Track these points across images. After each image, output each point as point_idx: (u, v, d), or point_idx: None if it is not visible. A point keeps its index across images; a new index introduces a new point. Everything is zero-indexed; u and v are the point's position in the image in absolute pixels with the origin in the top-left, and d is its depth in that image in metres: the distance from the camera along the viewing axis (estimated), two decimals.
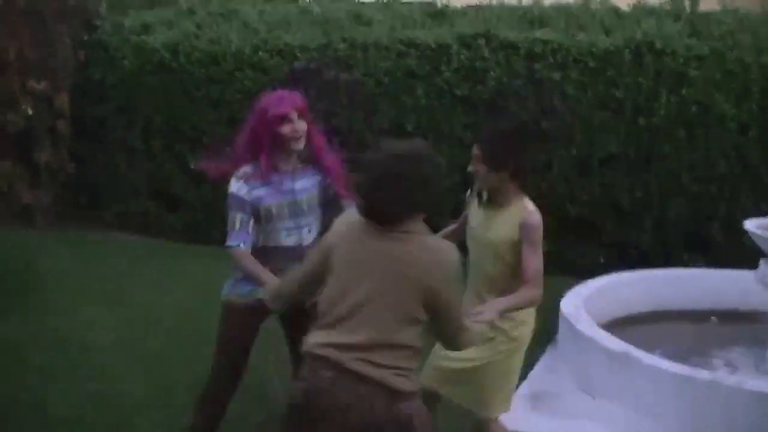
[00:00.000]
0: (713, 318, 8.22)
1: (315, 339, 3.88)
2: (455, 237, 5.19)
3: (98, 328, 8.11)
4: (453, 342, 4.06)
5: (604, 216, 10.25)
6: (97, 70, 12.39)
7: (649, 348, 6.56)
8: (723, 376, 6.30)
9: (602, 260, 10.21)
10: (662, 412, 6.09)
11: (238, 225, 4.90)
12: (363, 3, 12.32)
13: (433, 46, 10.60)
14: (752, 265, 9.22)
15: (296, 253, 4.97)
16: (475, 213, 5.09)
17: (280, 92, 5.11)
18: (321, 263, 3.98)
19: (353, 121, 10.90)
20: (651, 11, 10.76)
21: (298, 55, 11.11)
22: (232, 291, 5.18)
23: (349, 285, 3.83)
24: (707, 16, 10.54)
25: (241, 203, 4.92)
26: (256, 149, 4.97)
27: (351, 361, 3.73)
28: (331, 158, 5.21)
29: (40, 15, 11.82)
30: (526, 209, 4.90)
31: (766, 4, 10.70)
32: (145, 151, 12.04)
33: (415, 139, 4.29)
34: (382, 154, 3.88)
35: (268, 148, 4.94)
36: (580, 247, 10.36)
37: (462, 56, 10.48)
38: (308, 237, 5.11)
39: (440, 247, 3.91)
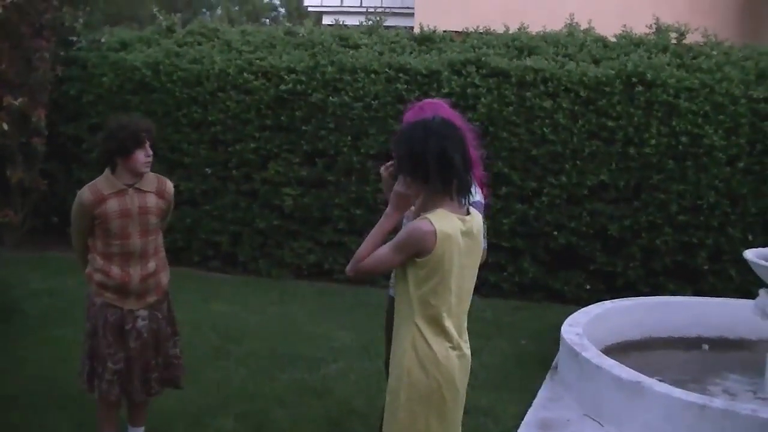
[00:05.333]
0: (704, 345, 8.26)
1: None
2: None
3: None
4: None
5: (592, 244, 10.28)
6: (73, 87, 12.25)
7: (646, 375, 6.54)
8: (737, 404, 6.29)
9: (588, 287, 10.26)
10: None
11: None
12: (348, 27, 12.26)
13: (424, 72, 10.61)
14: (738, 294, 9.37)
15: None
16: None
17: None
18: None
19: (341, 144, 10.90)
20: (638, 42, 10.83)
21: (285, 77, 11.05)
22: None
23: None
24: (692, 48, 10.64)
25: None
26: None
27: None
28: None
29: (17, 30, 11.63)
30: None
31: (747, 38, 10.83)
32: None
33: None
34: None
35: None
36: (567, 275, 10.39)
37: (453, 83, 10.50)
38: None
39: None
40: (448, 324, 3.97)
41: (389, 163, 4.45)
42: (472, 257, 4.05)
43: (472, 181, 4.05)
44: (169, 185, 5.71)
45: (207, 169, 11.57)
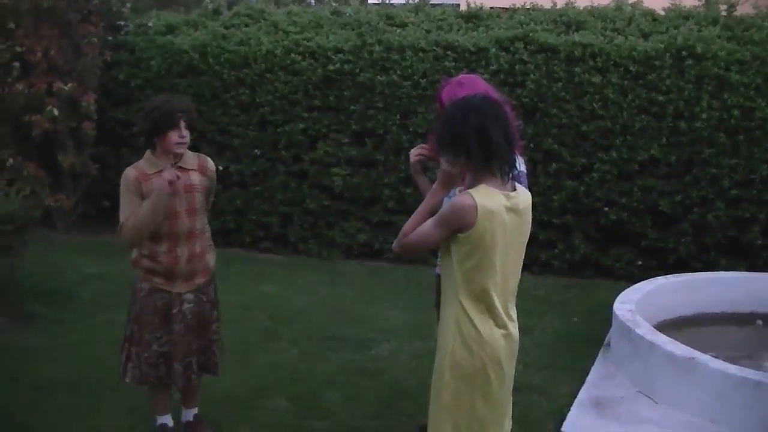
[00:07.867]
0: (759, 321, 8.16)
1: None
2: None
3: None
4: None
5: (644, 220, 10.18)
6: (122, 72, 12.31)
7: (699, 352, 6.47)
8: None
9: (639, 264, 10.18)
10: (729, 417, 6.00)
11: None
12: (394, 5, 12.21)
13: (472, 49, 10.54)
14: None
15: None
16: None
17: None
18: None
19: (389, 123, 10.90)
20: (687, 15, 10.69)
21: (332, 57, 11.04)
22: None
23: None
24: (743, 20, 10.47)
25: None
26: None
27: None
28: None
29: (66, 16, 11.71)
30: None
31: None
32: None
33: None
34: None
35: None
36: (618, 252, 10.32)
37: (501, 59, 10.42)
38: None
39: None
40: (494, 302, 3.96)
41: (418, 149, 4.52)
42: (518, 234, 4.02)
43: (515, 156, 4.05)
44: (210, 162, 5.70)
45: (256, 151, 11.60)
